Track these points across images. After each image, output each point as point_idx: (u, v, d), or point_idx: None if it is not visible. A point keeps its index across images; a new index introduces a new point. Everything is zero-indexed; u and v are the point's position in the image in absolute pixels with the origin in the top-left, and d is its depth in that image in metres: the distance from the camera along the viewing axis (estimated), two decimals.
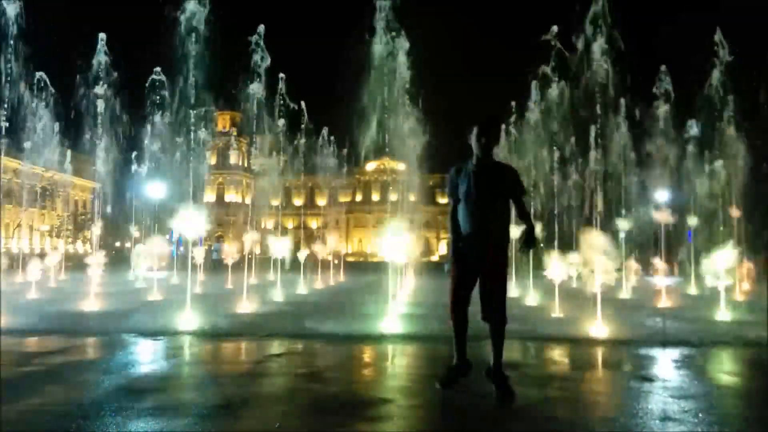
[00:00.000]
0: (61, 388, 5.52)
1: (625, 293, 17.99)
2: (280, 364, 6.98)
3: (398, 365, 7.28)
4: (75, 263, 32.11)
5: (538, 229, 16.51)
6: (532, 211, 17.96)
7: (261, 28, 15.98)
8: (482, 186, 4.89)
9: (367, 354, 7.83)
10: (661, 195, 25.11)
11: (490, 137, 4.95)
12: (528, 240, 4.95)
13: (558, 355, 7.91)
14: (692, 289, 19.69)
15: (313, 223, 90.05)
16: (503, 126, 21.92)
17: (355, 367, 7.06)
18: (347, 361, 7.26)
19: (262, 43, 15.92)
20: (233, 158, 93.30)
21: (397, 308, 11.61)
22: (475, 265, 4.92)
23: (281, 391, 5.66)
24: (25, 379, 5.92)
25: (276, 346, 8.14)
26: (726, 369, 7.30)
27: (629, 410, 4.86)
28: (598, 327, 8.96)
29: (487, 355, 5.06)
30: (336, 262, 33.95)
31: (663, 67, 19.69)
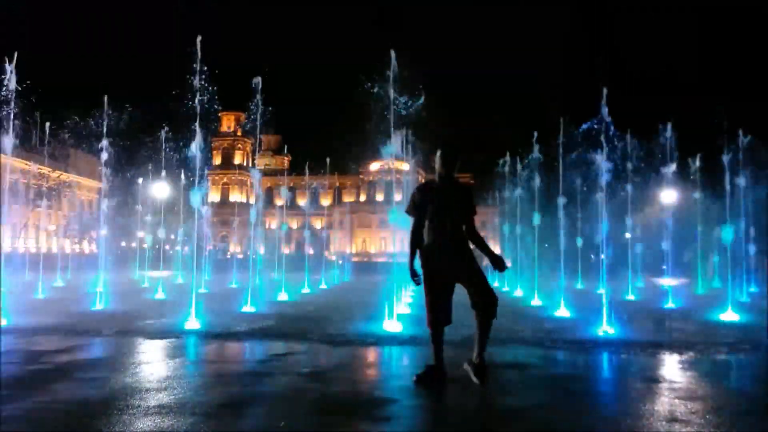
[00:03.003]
0: (68, 386, 5.55)
1: None
2: (284, 364, 6.99)
3: (401, 366, 7.28)
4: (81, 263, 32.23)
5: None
6: None
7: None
8: (447, 203, 5.41)
9: (371, 355, 7.84)
10: (668, 195, 25.05)
11: (452, 161, 5.57)
12: (497, 263, 5.51)
13: None
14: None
15: (317, 223, 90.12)
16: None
17: (358, 368, 7.07)
18: (351, 362, 7.26)
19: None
20: (237, 158, 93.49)
21: (401, 309, 11.61)
22: (449, 274, 5.34)
23: (285, 390, 5.66)
24: (33, 376, 5.95)
25: (280, 347, 8.15)
26: None
27: None
28: None
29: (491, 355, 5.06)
30: (340, 262, 34.01)
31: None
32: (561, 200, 16.83)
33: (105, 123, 16.37)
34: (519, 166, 22.82)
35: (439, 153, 5.54)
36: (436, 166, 5.58)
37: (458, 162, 5.63)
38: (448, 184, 5.54)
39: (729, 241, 13.40)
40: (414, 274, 5.40)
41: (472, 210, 5.56)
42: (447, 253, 5.33)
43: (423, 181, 5.91)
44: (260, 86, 15.66)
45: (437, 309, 5.35)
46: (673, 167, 19.87)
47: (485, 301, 5.23)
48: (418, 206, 5.49)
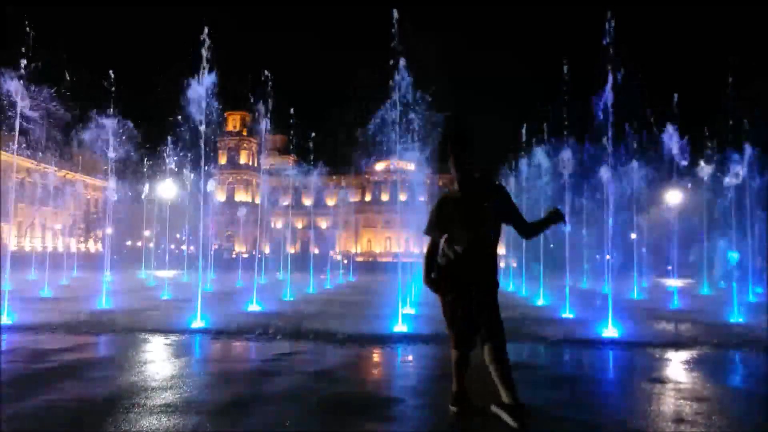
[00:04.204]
0: (75, 384, 5.58)
1: None
2: (289, 363, 7.00)
3: (407, 366, 7.28)
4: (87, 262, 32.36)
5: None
6: None
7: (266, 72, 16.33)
8: (472, 213, 4.47)
9: (376, 354, 7.84)
10: (674, 196, 25.01)
11: (468, 159, 4.51)
12: (555, 217, 4.52)
13: None
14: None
15: (323, 223, 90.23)
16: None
17: (364, 368, 7.07)
18: (356, 361, 7.27)
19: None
20: (243, 158, 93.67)
21: (406, 308, 11.61)
22: (471, 299, 4.50)
23: (291, 389, 5.67)
24: (39, 375, 5.98)
25: (285, 346, 8.16)
26: None
27: None
28: None
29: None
30: (345, 262, 34.06)
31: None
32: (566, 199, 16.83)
33: (111, 123, 16.42)
34: (524, 167, 22.82)
35: (447, 146, 4.51)
36: (451, 171, 4.58)
37: (473, 156, 4.52)
38: (470, 191, 4.53)
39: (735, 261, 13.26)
40: (432, 284, 4.58)
41: (513, 209, 4.58)
42: (471, 276, 4.49)
43: (434, 188, 4.85)
44: (268, 85, 15.72)
45: (463, 333, 4.53)
46: (680, 165, 19.86)
47: (494, 344, 4.39)
48: (435, 225, 4.60)
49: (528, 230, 4.64)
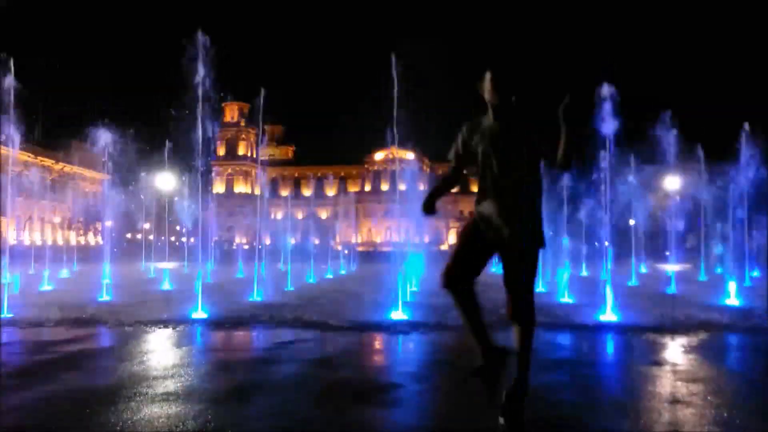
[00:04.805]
0: (77, 375, 5.63)
1: None
2: (290, 351, 7.06)
3: (407, 352, 7.35)
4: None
5: None
6: None
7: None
8: (505, 147, 3.67)
9: (377, 342, 7.91)
10: (672, 182, 25.04)
11: (510, 83, 3.68)
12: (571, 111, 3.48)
13: None
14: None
15: (323, 214, 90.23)
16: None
17: (364, 355, 7.13)
18: (357, 349, 7.33)
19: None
20: (242, 149, 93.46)
21: (407, 297, 11.67)
22: (491, 245, 3.74)
23: (292, 377, 5.72)
24: (41, 366, 6.04)
25: (286, 335, 8.21)
26: None
27: None
28: None
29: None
30: (346, 252, 34.14)
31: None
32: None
33: (107, 115, 16.45)
34: None
35: (488, 75, 3.68)
36: (485, 95, 3.73)
37: (517, 86, 3.68)
38: (504, 120, 3.69)
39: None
40: (427, 204, 3.90)
41: (537, 153, 3.69)
42: (499, 225, 3.65)
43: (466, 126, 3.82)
44: (266, 75, 15.71)
45: (456, 259, 3.72)
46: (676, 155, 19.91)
47: (513, 313, 3.70)
48: (458, 152, 3.86)
49: (557, 157, 3.59)
